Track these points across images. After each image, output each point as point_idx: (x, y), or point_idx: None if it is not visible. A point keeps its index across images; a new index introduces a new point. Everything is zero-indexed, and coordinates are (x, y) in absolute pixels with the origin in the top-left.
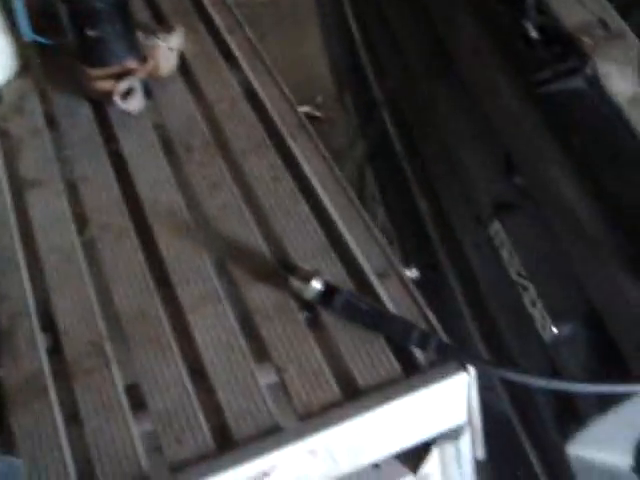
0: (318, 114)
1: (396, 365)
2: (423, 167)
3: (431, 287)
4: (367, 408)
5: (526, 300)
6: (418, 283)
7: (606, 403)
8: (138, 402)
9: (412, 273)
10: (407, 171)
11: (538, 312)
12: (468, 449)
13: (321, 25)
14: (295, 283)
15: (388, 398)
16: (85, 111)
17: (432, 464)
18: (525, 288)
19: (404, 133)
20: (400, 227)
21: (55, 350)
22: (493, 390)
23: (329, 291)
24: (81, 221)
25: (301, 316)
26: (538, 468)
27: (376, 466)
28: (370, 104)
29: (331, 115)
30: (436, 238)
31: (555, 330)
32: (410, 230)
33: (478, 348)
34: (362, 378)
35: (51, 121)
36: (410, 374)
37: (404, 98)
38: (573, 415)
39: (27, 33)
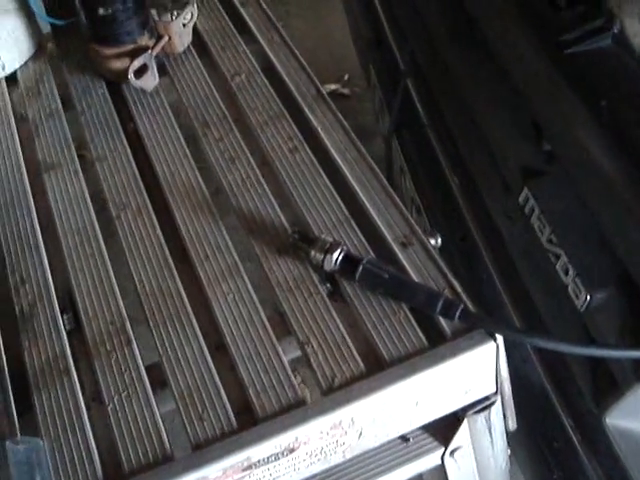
0: (346, 91)
1: (421, 335)
2: (449, 137)
3: (462, 258)
4: (392, 381)
5: (558, 268)
6: (448, 255)
7: None
8: (160, 381)
9: (435, 241)
10: (433, 141)
11: (571, 280)
12: (499, 420)
13: (344, 0)
14: (315, 255)
15: (413, 370)
16: (101, 91)
17: (463, 436)
18: (557, 256)
19: (429, 103)
20: (428, 199)
21: (76, 331)
22: (528, 362)
23: (350, 262)
24: (99, 201)
25: (323, 288)
26: (575, 439)
27: (405, 439)
28: (394, 76)
29: (358, 92)
30: (465, 208)
31: (589, 297)
32: (438, 201)
33: (511, 319)
34: (386, 350)
35: (67, 102)
36: (436, 344)
37: (428, 67)
38: (610, 385)
39: (41, 15)
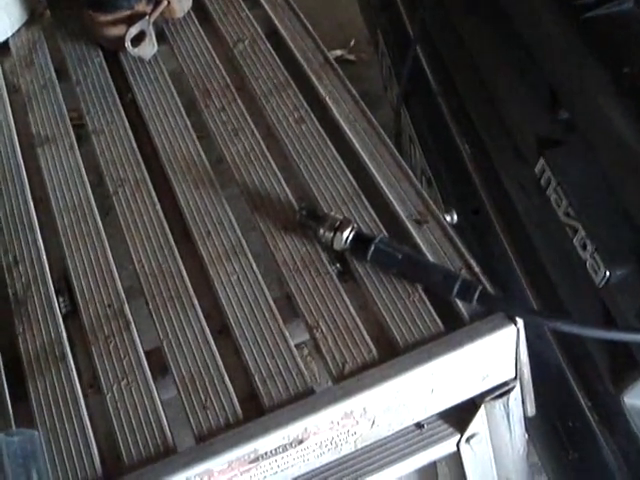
0: (351, 57)
1: (437, 319)
2: (461, 105)
3: (474, 232)
4: (406, 367)
5: (576, 242)
6: (460, 229)
7: None
8: (161, 367)
9: (451, 218)
10: (444, 110)
11: (589, 255)
12: (518, 406)
13: None
14: (324, 233)
15: (429, 356)
16: (97, 60)
17: (479, 423)
18: (574, 230)
19: (440, 70)
20: (439, 170)
21: (72, 314)
22: (543, 339)
23: (361, 240)
24: (96, 177)
25: (332, 268)
26: (592, 419)
27: (420, 426)
28: (403, 42)
29: (364, 58)
30: (478, 180)
31: (608, 274)
32: (450, 172)
33: (525, 296)
34: (400, 334)
35: (62, 72)
36: (453, 328)
37: (439, 32)
38: (629, 364)
39: None
